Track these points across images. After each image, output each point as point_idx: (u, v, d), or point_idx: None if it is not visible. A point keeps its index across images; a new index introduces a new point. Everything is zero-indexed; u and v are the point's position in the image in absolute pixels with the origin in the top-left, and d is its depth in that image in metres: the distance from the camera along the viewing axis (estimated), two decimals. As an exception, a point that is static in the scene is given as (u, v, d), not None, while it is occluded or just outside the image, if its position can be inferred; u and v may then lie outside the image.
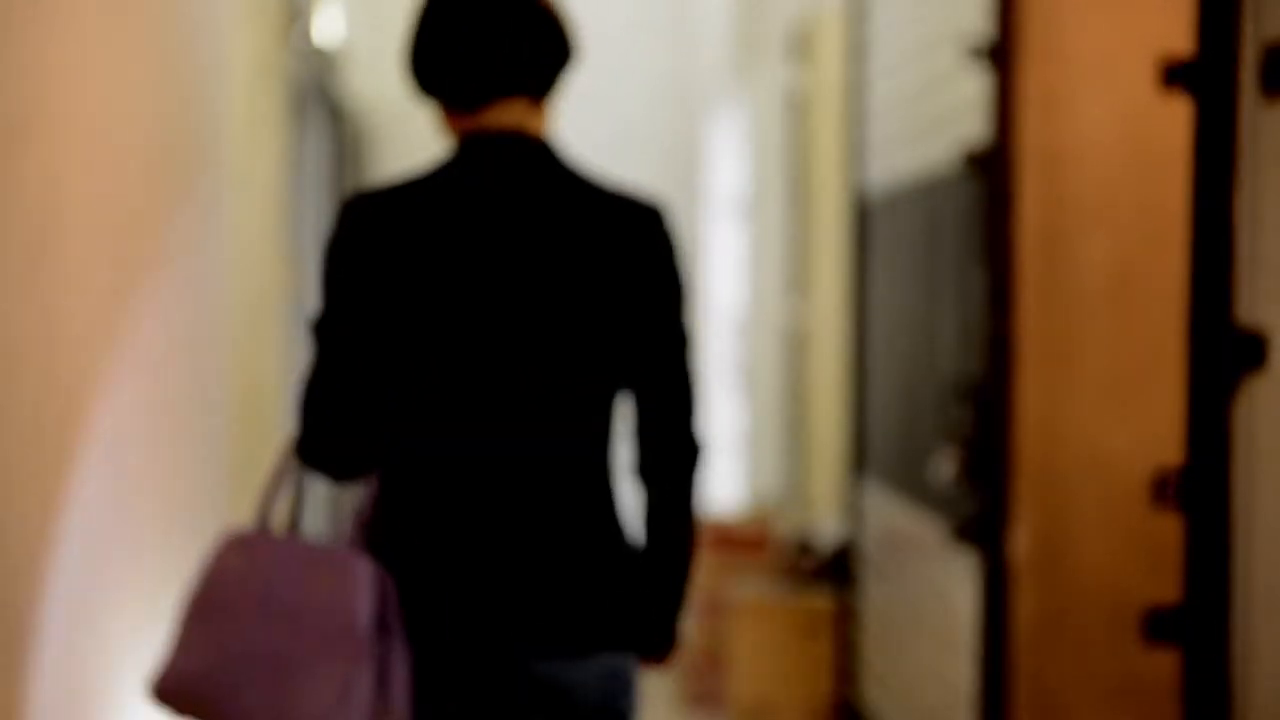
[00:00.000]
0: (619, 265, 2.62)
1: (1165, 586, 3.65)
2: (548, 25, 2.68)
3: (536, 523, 2.60)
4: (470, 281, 2.61)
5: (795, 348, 8.64)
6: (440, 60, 2.67)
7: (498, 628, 2.59)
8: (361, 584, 2.53)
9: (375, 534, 2.63)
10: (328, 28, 8.81)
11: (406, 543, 2.61)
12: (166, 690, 2.65)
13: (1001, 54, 3.68)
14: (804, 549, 6.67)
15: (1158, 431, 3.66)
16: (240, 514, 6.87)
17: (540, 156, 2.65)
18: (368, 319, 2.62)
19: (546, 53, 2.68)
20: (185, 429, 5.66)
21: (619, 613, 2.63)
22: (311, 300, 8.92)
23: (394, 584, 2.57)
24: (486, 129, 2.66)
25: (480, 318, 2.61)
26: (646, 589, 2.67)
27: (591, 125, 12.18)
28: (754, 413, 9.63)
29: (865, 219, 5.18)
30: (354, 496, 2.66)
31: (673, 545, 2.68)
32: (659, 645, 2.71)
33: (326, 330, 2.66)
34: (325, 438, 2.63)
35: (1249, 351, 3.37)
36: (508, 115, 2.66)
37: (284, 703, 2.53)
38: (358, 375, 2.62)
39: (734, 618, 6.36)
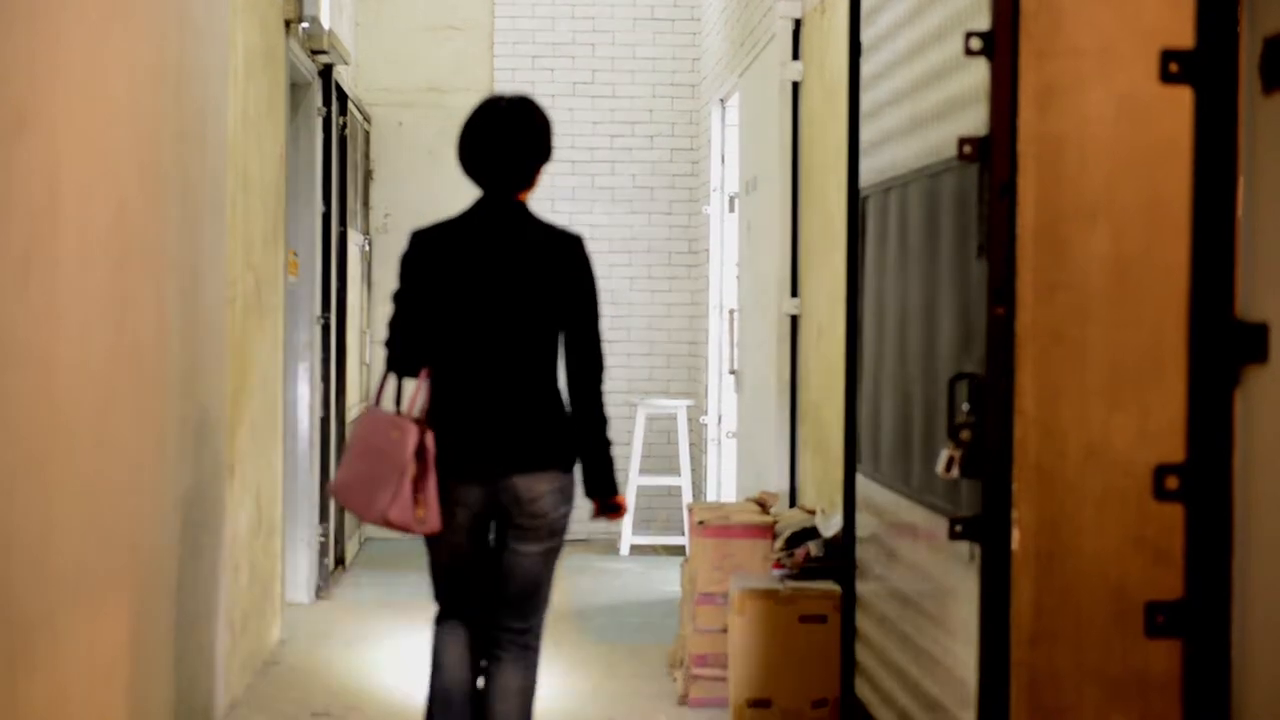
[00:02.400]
0: (557, 270, 4.98)
1: (1166, 580, 3.64)
2: (540, 144, 5.04)
3: (512, 406, 4.96)
4: (475, 277, 4.97)
5: (795, 339, 8.62)
6: (472, 169, 5.06)
7: (491, 459, 4.97)
8: (409, 436, 4.85)
9: (430, 413, 4.97)
10: (329, 19, 8.78)
11: (444, 417, 4.96)
12: (334, 491, 5.03)
13: (1000, 45, 3.66)
14: (804, 542, 6.65)
15: (1159, 424, 3.65)
16: (238, 500, 6.86)
17: (519, 211, 5.05)
18: (423, 295, 4.99)
19: (536, 164, 5.05)
20: (181, 419, 5.64)
21: (558, 451, 5.00)
22: (315, 290, 8.99)
23: (432, 437, 4.90)
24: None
25: (481, 297, 4.97)
26: (582, 446, 5.03)
27: (597, 118, 12.16)
28: (754, 404, 9.61)
29: (865, 210, 5.17)
30: (409, 391, 5.02)
31: (592, 420, 5.03)
32: (603, 488, 5.09)
33: (402, 300, 5.02)
34: (400, 355, 5.00)
35: (1250, 343, 3.36)
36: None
37: (372, 500, 4.87)
38: (417, 324, 4.99)
39: (734, 612, 6.35)
